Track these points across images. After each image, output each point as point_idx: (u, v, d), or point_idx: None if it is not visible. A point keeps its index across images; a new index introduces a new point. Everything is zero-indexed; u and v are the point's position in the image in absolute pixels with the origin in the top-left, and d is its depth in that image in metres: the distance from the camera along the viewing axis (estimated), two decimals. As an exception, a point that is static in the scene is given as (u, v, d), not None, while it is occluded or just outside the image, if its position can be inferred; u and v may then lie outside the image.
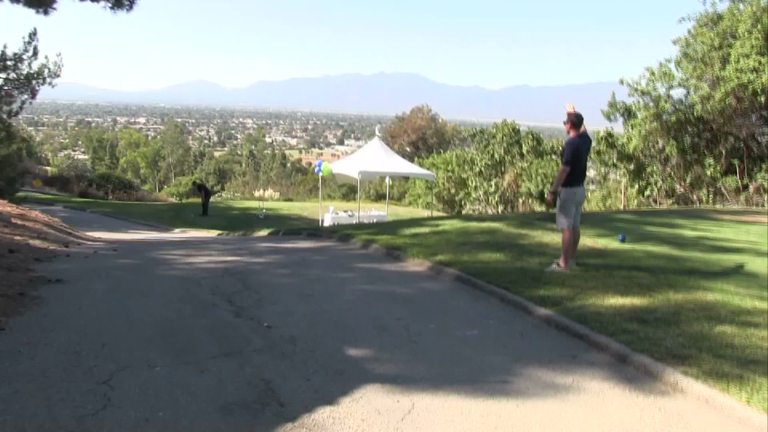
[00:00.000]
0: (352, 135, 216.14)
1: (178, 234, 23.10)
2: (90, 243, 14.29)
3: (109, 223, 25.63)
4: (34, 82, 21.78)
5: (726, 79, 21.14)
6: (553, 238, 8.58)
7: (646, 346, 5.26)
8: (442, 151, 60.23)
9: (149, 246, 14.17)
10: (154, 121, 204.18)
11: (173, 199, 56.14)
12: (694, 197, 23.91)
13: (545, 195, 8.82)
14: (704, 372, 4.69)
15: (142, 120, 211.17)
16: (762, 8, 21.26)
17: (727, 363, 4.86)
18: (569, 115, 8.30)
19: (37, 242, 11.20)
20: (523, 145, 34.31)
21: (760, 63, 20.26)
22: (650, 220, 15.55)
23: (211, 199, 35.95)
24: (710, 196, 23.39)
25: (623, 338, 5.50)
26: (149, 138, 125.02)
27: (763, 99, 21.11)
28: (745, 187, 22.51)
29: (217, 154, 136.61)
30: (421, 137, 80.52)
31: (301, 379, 4.72)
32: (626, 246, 10.57)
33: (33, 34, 21.41)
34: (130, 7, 15.39)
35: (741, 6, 22.60)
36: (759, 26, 20.84)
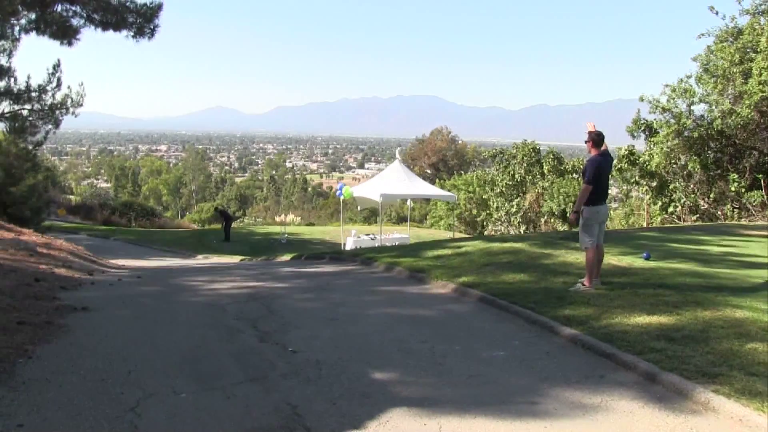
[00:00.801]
0: (373, 158, 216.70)
1: (201, 260, 23.24)
2: (114, 270, 14.42)
3: (132, 250, 25.83)
4: (57, 112, 22.11)
5: (749, 94, 21.00)
6: (576, 257, 8.54)
7: (675, 365, 5.19)
8: (462, 172, 60.25)
9: (173, 273, 14.27)
10: (175, 149, 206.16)
11: (195, 226, 56.49)
12: (719, 213, 23.65)
13: (568, 214, 8.84)
14: (737, 390, 4.61)
15: (163, 147, 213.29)
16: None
17: (760, 381, 4.77)
18: (590, 133, 8.29)
19: (62, 270, 11.32)
20: (544, 165, 34.21)
21: (783, 76, 20.12)
22: (674, 237, 15.41)
23: (233, 224, 36.12)
24: (735, 211, 23.12)
25: (651, 357, 5.44)
26: (171, 165, 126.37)
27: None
28: (771, 202, 22.24)
29: (238, 179, 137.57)
30: (441, 159, 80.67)
31: (327, 404, 4.72)
32: (651, 264, 10.47)
33: (57, 66, 21.77)
34: (152, 35, 15.72)
35: (762, 20, 22.49)
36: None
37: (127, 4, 15.30)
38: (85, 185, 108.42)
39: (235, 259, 22.26)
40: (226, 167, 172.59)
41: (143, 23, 15.56)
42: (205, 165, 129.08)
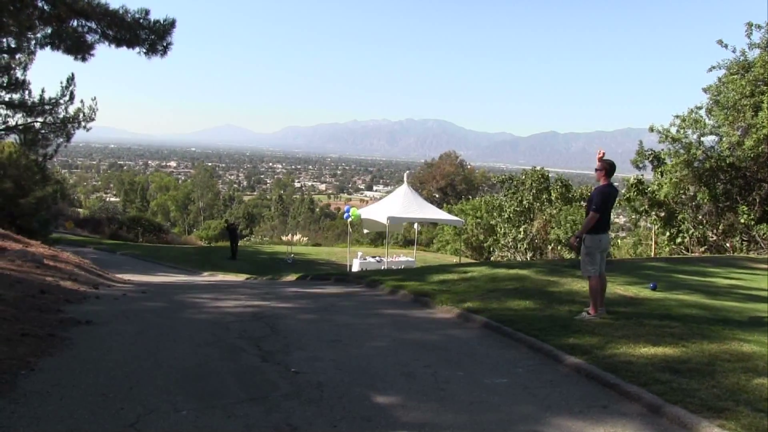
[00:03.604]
0: (381, 181, 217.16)
1: (206, 277, 23.25)
2: (119, 285, 14.45)
3: (138, 265, 25.87)
4: (69, 125, 22.29)
5: (759, 126, 21.06)
6: (582, 286, 8.52)
7: (680, 398, 5.14)
8: (470, 197, 60.23)
9: (177, 289, 14.28)
10: (185, 165, 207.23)
11: (202, 243, 56.61)
12: (727, 245, 23.58)
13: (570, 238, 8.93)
14: (743, 426, 4.54)
15: (173, 164, 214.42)
16: (793, 56, 21.31)
17: (767, 418, 4.71)
18: (603, 162, 8.31)
19: (68, 283, 11.36)
20: (552, 192, 34.22)
21: (793, 111, 20.18)
22: (682, 268, 15.35)
23: (240, 242, 36.13)
24: (744, 244, 23.05)
25: (656, 388, 5.39)
26: (180, 182, 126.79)
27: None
28: (780, 235, 22.18)
29: (246, 198, 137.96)
30: (450, 183, 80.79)
31: (327, 426, 4.70)
32: (657, 294, 10.42)
33: (70, 80, 21.97)
34: (164, 53, 15.85)
35: (772, 54, 22.61)
36: (791, 74, 20.87)
37: (141, 20, 15.45)
38: (94, 199, 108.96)
39: (241, 277, 22.26)
40: (235, 185, 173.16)
41: (156, 40, 15.70)
42: (213, 182, 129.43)
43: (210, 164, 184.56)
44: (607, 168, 8.28)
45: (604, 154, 8.45)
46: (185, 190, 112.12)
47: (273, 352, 6.87)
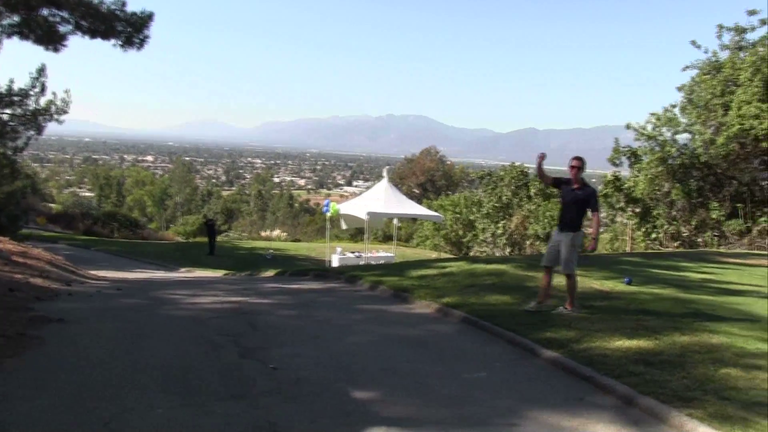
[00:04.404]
0: (361, 176, 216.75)
1: (184, 273, 23.14)
2: (93, 282, 14.36)
3: (114, 261, 25.67)
4: (40, 118, 21.80)
5: (729, 125, 21.45)
6: (559, 281, 8.61)
7: (652, 389, 5.27)
8: (450, 193, 60.34)
9: (154, 285, 14.21)
10: (162, 160, 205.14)
11: (180, 238, 56.23)
12: (700, 240, 23.92)
13: (589, 242, 9.04)
14: (709, 414, 4.69)
15: (150, 158, 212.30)
16: (761, 57, 21.74)
17: (731, 405, 4.86)
18: (583, 164, 8.42)
19: (38, 281, 11.23)
20: (531, 188, 34.41)
21: (761, 110, 20.60)
22: (656, 262, 15.56)
23: (218, 238, 35.96)
24: (715, 239, 23.42)
25: (629, 380, 5.51)
26: (157, 176, 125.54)
27: (765, 145, 21.34)
28: (749, 231, 22.57)
29: (225, 193, 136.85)
30: (430, 179, 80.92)
31: (307, 422, 4.72)
32: (632, 288, 10.58)
33: (41, 70, 21.51)
34: (141, 46, 15.66)
35: (741, 54, 23.05)
36: (759, 75, 21.28)
37: (117, 12, 15.19)
38: (67, 194, 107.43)
39: (219, 273, 22.19)
40: (213, 180, 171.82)
41: (133, 33, 15.47)
42: (191, 177, 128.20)
43: (188, 159, 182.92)
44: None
45: (544, 155, 8.59)
46: (162, 185, 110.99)
47: (252, 348, 6.88)
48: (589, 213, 8.54)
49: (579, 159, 8.44)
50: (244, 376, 5.86)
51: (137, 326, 8.03)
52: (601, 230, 31.63)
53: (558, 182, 8.79)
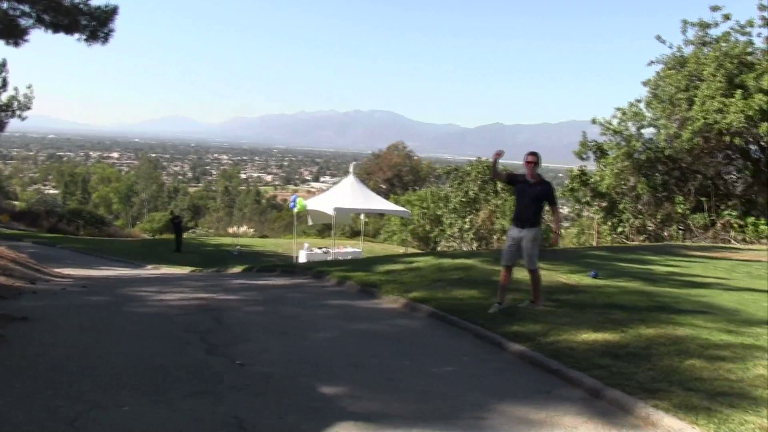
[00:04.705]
0: (328, 172, 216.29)
1: (150, 270, 22.88)
2: (58, 280, 14.11)
3: (79, 259, 25.28)
4: (2, 114, 21.37)
5: (693, 120, 21.75)
6: (526, 275, 8.63)
7: (619, 381, 5.32)
8: (417, 188, 60.48)
9: (120, 282, 14.03)
10: (128, 156, 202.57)
11: (146, 235, 55.63)
12: (665, 234, 24.25)
13: (552, 236, 9.11)
14: (674, 405, 4.75)
15: (115, 155, 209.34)
16: (724, 53, 22.08)
17: (696, 396, 4.93)
18: (538, 160, 8.39)
19: (1, 279, 11.02)
20: (498, 183, 34.59)
21: (724, 104, 20.91)
22: (622, 256, 15.72)
23: (185, 235, 35.63)
24: (680, 232, 23.75)
25: (596, 373, 5.56)
26: (123, 173, 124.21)
27: (728, 139, 21.67)
28: (713, 224, 22.92)
29: (191, 189, 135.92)
30: (397, 174, 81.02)
31: (274, 418, 4.68)
32: (599, 282, 10.69)
33: (2, 66, 21.08)
34: (105, 40, 15.38)
35: (705, 50, 23.38)
36: (722, 70, 21.62)
37: (81, 6, 14.92)
38: (31, 191, 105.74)
39: (186, 270, 21.98)
40: (180, 177, 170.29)
41: (97, 27, 15.21)
42: (157, 174, 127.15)
43: (154, 155, 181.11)
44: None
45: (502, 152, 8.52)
46: (128, 181, 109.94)
47: (219, 344, 6.81)
48: (548, 207, 8.58)
49: (534, 154, 8.37)
50: (210, 372, 5.79)
51: (103, 324, 7.91)
52: (567, 224, 31.96)
53: (512, 179, 8.77)
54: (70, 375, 5.50)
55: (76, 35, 15.16)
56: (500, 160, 8.52)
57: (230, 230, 40.74)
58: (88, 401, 4.84)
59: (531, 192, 8.31)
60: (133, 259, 26.75)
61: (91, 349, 6.53)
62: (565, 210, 37.81)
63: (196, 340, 6.97)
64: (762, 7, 22.52)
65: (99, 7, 15.19)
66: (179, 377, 5.59)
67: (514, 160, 8.53)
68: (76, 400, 4.85)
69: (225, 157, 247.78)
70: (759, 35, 23.06)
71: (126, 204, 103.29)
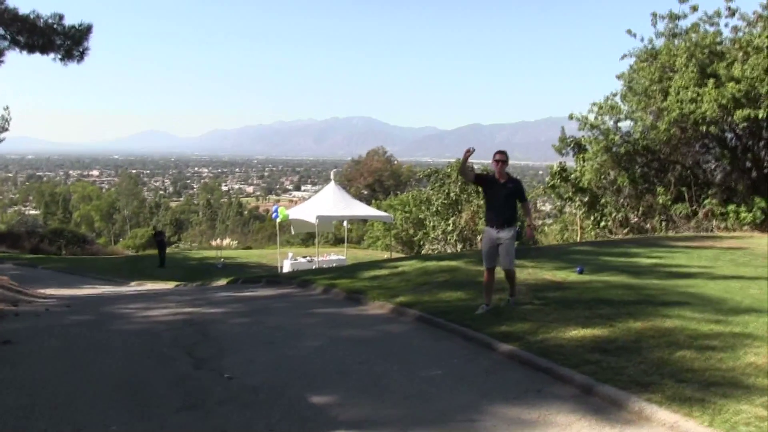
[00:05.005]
0: (309, 180, 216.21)
1: (134, 287, 22.67)
2: (41, 300, 13.91)
3: (62, 279, 24.99)
4: (-21, 138, 21.18)
5: (669, 110, 21.93)
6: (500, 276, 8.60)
7: (610, 376, 5.29)
8: (398, 192, 60.50)
9: (105, 300, 13.87)
10: (108, 173, 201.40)
11: (129, 252, 55.22)
12: (648, 226, 24.35)
13: (527, 231, 9.02)
14: (667, 398, 4.72)
15: (95, 173, 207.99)
16: (695, 43, 22.32)
17: (688, 387, 4.91)
18: (507, 158, 8.38)
19: (-18, 303, 10.85)
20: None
21: (698, 94, 21.11)
22: (607, 250, 15.75)
23: (168, 249, 35.39)
24: (663, 223, 23.86)
25: (587, 369, 5.52)
26: (103, 190, 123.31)
27: (704, 128, 21.83)
28: (695, 214, 23.05)
29: (173, 204, 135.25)
30: (378, 180, 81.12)
31: (264, 429, 4.62)
32: (584, 277, 10.68)
33: (-23, 90, 20.89)
34: (81, 58, 15.27)
35: (676, 41, 23.60)
36: (694, 60, 21.84)
37: (55, 26, 14.83)
38: (11, 212, 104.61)
39: (170, 285, 21.79)
40: (161, 192, 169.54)
41: (72, 46, 15.11)
42: (138, 190, 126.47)
43: (134, 171, 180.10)
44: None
45: (473, 150, 8.27)
46: (109, 199, 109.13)
47: (206, 358, 6.73)
48: (519, 203, 8.49)
49: (503, 153, 8.35)
50: (198, 386, 5.72)
51: (88, 343, 7.80)
52: (550, 221, 32.05)
53: (481, 180, 8.72)
54: (56, 396, 5.41)
55: (52, 55, 15.07)
56: (480, 161, 8.48)
57: (214, 243, 40.49)
58: (75, 422, 4.76)
59: (503, 191, 8.26)
60: (117, 277, 26.51)
61: (76, 369, 6.43)
62: (547, 207, 37.88)
63: (183, 355, 6.89)
64: (726, -3, 22.82)
65: (73, 26, 15.10)
66: (167, 393, 5.52)
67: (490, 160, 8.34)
68: (62, 421, 4.78)
69: (205, 170, 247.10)
70: (726, 25, 23.38)
71: (108, 221, 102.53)
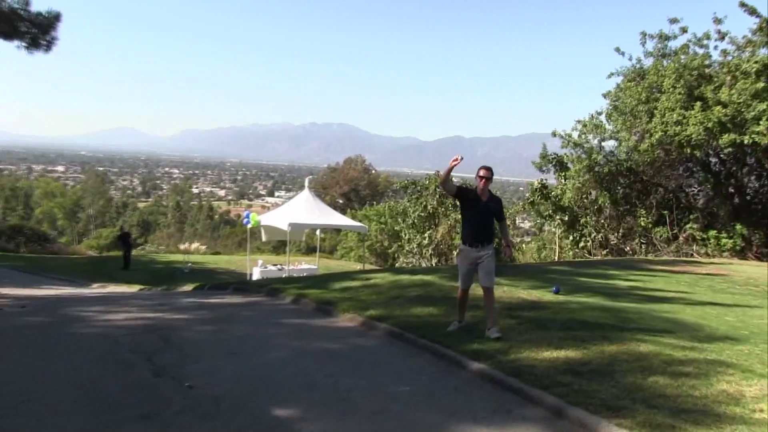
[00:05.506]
0: (283, 186, 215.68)
1: (96, 289, 22.44)
2: (-4, 300, 13.73)
3: (19, 278, 24.66)
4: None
5: (653, 131, 22.21)
6: (480, 291, 8.61)
7: (581, 399, 5.33)
8: (374, 202, 60.55)
9: (63, 302, 13.70)
10: (74, 170, 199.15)
11: (93, 252, 54.61)
12: (627, 248, 24.61)
13: (504, 250, 8.79)
14: (638, 423, 4.76)
15: (60, 168, 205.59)
16: (683, 65, 22.62)
17: (660, 413, 4.95)
18: (492, 175, 8.16)
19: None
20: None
21: (684, 117, 21.39)
22: (584, 271, 15.90)
23: (134, 251, 35.04)
24: (642, 246, 24.12)
25: (558, 391, 5.56)
26: (68, 187, 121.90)
27: (688, 151, 22.11)
28: (675, 237, 23.34)
29: (141, 204, 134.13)
30: (354, 189, 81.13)
31: (224, 442, 4.59)
32: (560, 297, 10.77)
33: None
34: (48, 48, 15.05)
35: (665, 62, 23.92)
36: (682, 81, 22.15)
37: (20, 12, 14.57)
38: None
39: (134, 288, 21.60)
40: (129, 191, 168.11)
41: (38, 34, 14.87)
42: (105, 188, 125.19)
43: (102, 168, 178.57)
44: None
45: (461, 158, 7.69)
46: (74, 196, 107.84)
47: (167, 366, 6.69)
48: (497, 222, 8.30)
49: (488, 169, 8.14)
50: (158, 395, 5.68)
51: (43, 346, 7.71)
52: (528, 239, 32.24)
53: (463, 194, 8.24)
54: (7, 401, 5.34)
55: (16, 42, 14.82)
56: (460, 175, 8.34)
57: (181, 247, 40.25)
58: (26, 431, 4.69)
59: (485, 209, 8.08)
60: (79, 278, 26.20)
61: (29, 374, 6.35)
62: (526, 224, 38.11)
63: (143, 362, 6.84)
64: (717, 20, 23.20)
65: (40, 14, 14.85)
66: (124, 401, 5.47)
67: (473, 174, 8.18)
68: (11, 429, 4.72)
69: (176, 170, 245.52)
70: (716, 48, 23.77)
71: (71, 220, 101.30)
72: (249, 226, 26.54)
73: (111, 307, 11.91)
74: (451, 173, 7.92)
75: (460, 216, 8.01)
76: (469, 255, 8.09)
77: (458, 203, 8.47)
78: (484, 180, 8.03)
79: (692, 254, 22.37)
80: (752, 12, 22.18)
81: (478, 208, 8.06)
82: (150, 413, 5.15)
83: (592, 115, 25.65)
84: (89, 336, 8.65)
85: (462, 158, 7.56)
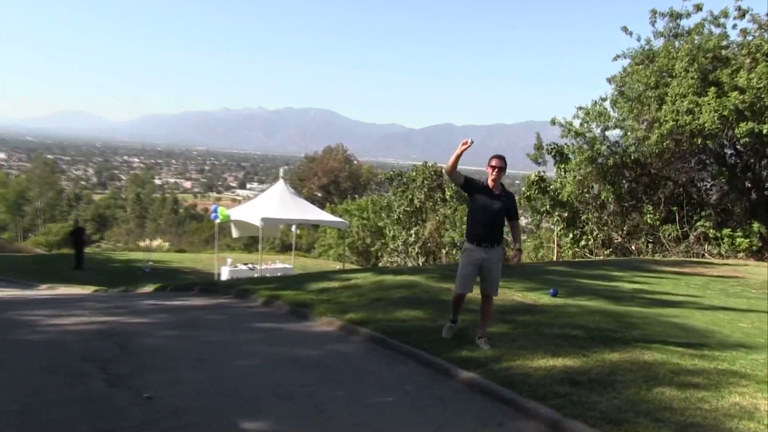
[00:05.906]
0: (256, 177, 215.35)
1: (44, 291, 22.31)
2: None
3: (-43, 278, 24.52)
4: None
5: (663, 121, 21.98)
6: (476, 292, 8.63)
7: (580, 411, 5.35)
8: (356, 196, 60.59)
9: (5, 305, 13.58)
10: (18, 158, 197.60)
11: (41, 250, 54.25)
12: (632, 247, 24.65)
13: (514, 255, 8.32)
14: (641, 438, 4.79)
15: (2, 155, 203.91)
16: (697, 46, 22.34)
17: (665, 427, 4.99)
18: (505, 165, 7.82)
19: None
20: (447, 190, 34.65)
21: (696, 104, 21.14)
22: (585, 272, 15.96)
23: (87, 249, 34.88)
24: (649, 245, 24.14)
25: (554, 403, 5.58)
26: (11, 177, 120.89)
27: (701, 142, 21.93)
28: (686, 236, 23.34)
29: (96, 197, 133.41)
30: (334, 180, 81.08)
31: (186, 458, 4.59)
32: (558, 300, 10.81)
33: None
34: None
35: (677, 43, 23.72)
36: (695, 65, 21.87)
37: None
38: None
39: (88, 289, 21.50)
40: (83, 182, 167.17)
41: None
42: (55, 178, 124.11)
43: (51, 156, 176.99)
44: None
45: (471, 142, 7.36)
46: (18, 187, 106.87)
47: (123, 375, 6.66)
48: (507, 221, 7.98)
49: (501, 158, 7.78)
50: (113, 407, 5.64)
51: (-18, 354, 7.64)
52: (525, 237, 32.32)
53: (471, 186, 7.84)
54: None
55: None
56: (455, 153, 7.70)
57: (142, 244, 40.13)
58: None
59: (496, 205, 7.73)
60: (24, 278, 26.03)
61: (-33, 383, 6.30)
62: (522, 221, 38.29)
63: (97, 371, 6.80)
64: (737, -5, 22.98)
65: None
66: (75, 415, 5.43)
67: (465, 165, 8.06)
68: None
69: (136, 159, 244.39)
70: (734, 27, 23.50)
71: (15, 213, 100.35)
72: (217, 221, 26.47)
73: (61, 311, 11.83)
74: (459, 159, 7.44)
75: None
76: (476, 256, 7.82)
77: (467, 197, 8.17)
78: (496, 170, 7.73)
79: (704, 254, 22.46)
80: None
81: (488, 204, 7.75)
82: (103, 429, 5.11)
83: (595, 102, 25.47)
84: (36, 343, 8.59)
85: (472, 142, 7.30)
